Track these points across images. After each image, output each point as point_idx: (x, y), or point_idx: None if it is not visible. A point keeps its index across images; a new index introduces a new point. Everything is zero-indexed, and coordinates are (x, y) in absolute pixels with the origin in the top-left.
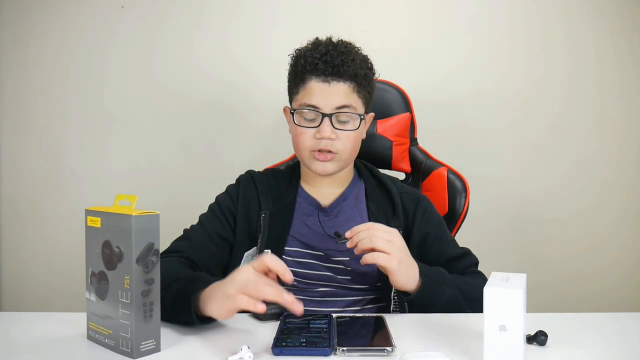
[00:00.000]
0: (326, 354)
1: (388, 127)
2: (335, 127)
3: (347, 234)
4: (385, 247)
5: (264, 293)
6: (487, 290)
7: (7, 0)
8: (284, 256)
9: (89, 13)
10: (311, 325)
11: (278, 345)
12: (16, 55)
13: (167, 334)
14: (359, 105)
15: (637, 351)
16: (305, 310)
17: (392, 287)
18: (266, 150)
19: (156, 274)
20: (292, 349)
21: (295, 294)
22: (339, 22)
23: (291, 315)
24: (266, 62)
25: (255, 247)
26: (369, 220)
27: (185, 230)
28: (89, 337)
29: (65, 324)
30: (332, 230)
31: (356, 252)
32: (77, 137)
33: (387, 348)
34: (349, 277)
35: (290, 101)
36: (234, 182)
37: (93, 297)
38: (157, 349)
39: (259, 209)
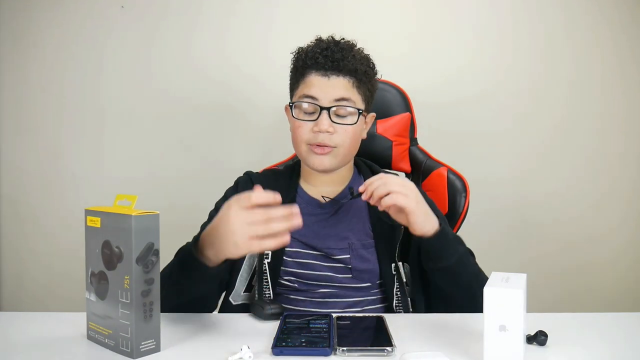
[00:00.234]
0: (326, 354)
1: (388, 127)
2: (334, 120)
3: (361, 188)
4: (401, 189)
5: (275, 229)
6: (487, 290)
7: (7, 0)
8: (284, 257)
9: (89, 13)
10: (311, 325)
11: (278, 345)
12: (16, 55)
13: (167, 334)
14: (358, 100)
15: (637, 351)
16: (305, 311)
17: (394, 284)
18: (266, 150)
19: (156, 274)
20: (292, 349)
21: (295, 296)
22: (339, 22)
23: (291, 315)
24: (266, 63)
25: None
26: (370, 219)
27: (187, 243)
28: (89, 337)
29: (65, 324)
30: (332, 230)
31: (372, 202)
32: (76, 137)
33: (387, 348)
34: (350, 276)
35: (291, 98)
36: (233, 182)
37: (93, 297)
38: (157, 349)
39: None
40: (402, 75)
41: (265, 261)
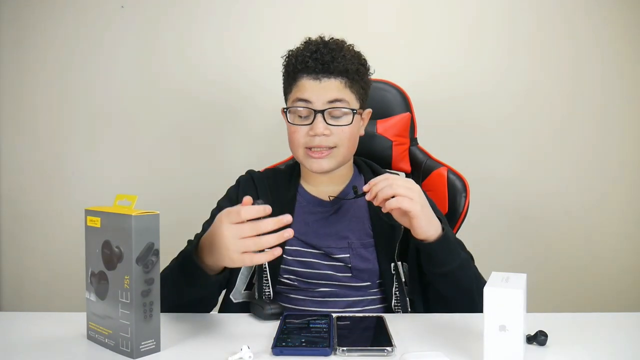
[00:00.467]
0: (326, 354)
1: (388, 127)
2: (329, 122)
3: (365, 188)
4: (406, 193)
5: (265, 244)
6: (487, 290)
7: (7, 0)
8: (284, 255)
9: (89, 13)
10: (311, 325)
11: (278, 345)
12: (16, 55)
13: (167, 334)
14: (352, 100)
15: (637, 351)
16: (305, 310)
17: (393, 284)
18: (267, 150)
19: (156, 274)
20: (292, 349)
21: (295, 294)
22: (339, 22)
23: (291, 315)
24: (266, 63)
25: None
26: (370, 218)
27: (189, 241)
28: (89, 337)
29: (65, 324)
30: (332, 229)
31: (376, 202)
32: (76, 137)
33: (387, 348)
34: (350, 275)
35: (286, 102)
36: (234, 182)
37: (93, 297)
38: (157, 349)
39: None
40: (401, 73)
41: None
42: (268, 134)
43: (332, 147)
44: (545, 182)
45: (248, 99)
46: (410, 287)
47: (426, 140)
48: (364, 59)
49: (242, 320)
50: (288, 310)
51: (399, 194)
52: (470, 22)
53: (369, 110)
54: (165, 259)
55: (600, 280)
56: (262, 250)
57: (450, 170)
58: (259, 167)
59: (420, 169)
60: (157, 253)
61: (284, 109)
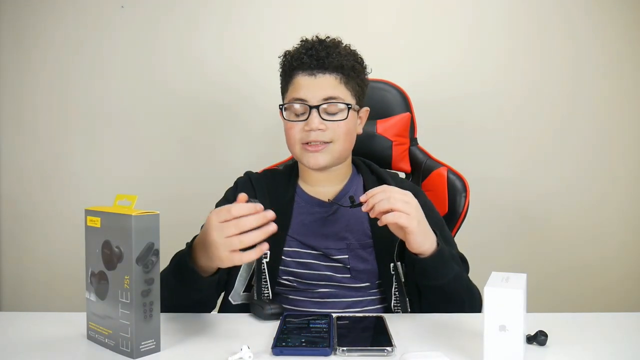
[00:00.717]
0: (326, 354)
1: (388, 127)
2: (324, 118)
3: (362, 198)
4: (403, 208)
5: (248, 242)
6: (487, 290)
7: (7, 0)
8: (283, 257)
9: (89, 13)
10: (311, 325)
11: (278, 345)
12: (16, 55)
13: (167, 334)
14: (347, 96)
15: (637, 351)
16: (305, 311)
17: (392, 284)
18: (267, 150)
19: (156, 274)
20: (292, 349)
21: (294, 296)
22: (339, 22)
23: (291, 315)
24: (266, 63)
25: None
26: (369, 219)
27: (187, 244)
28: (89, 337)
29: (65, 324)
30: (331, 230)
31: (372, 214)
32: (76, 137)
33: (387, 348)
34: (349, 276)
35: (283, 101)
36: (234, 182)
37: (93, 297)
38: (157, 349)
39: None
40: (401, 73)
41: (264, 261)
42: (268, 134)
43: (328, 142)
44: (545, 182)
45: (248, 99)
46: (409, 287)
47: (426, 140)
48: (361, 58)
49: (242, 320)
50: (288, 311)
51: (396, 208)
52: (470, 22)
53: (366, 109)
54: (165, 259)
55: (600, 280)
56: (252, 248)
57: (450, 170)
58: (259, 167)
59: (420, 169)
60: (157, 253)
61: (280, 106)
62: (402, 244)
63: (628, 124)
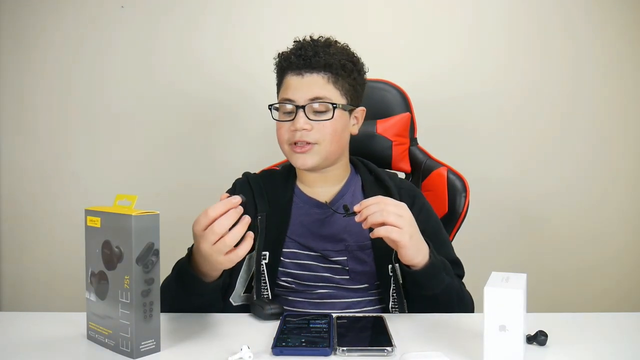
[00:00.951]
0: (326, 354)
1: (388, 127)
2: (310, 118)
3: (356, 208)
4: (396, 222)
5: (232, 242)
6: (487, 290)
7: (7, 0)
8: (282, 258)
9: (89, 13)
10: (311, 325)
11: (278, 345)
12: (16, 55)
13: (167, 334)
14: (335, 96)
15: (638, 351)
16: (304, 311)
17: (390, 285)
18: (268, 150)
19: (156, 274)
20: (292, 349)
21: (294, 297)
22: (339, 22)
23: (291, 315)
24: (266, 63)
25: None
26: None
27: (189, 249)
28: (89, 337)
29: (65, 324)
30: (329, 231)
31: (365, 226)
32: (76, 137)
33: (387, 348)
34: (348, 277)
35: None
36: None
37: (93, 297)
38: (157, 349)
39: (255, 211)
40: (401, 72)
41: (263, 262)
42: (268, 134)
43: (314, 143)
44: (545, 182)
45: (248, 99)
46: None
47: (426, 140)
48: (355, 57)
49: (242, 320)
50: (287, 311)
51: (389, 222)
52: (470, 22)
53: (362, 109)
54: (165, 259)
55: (600, 281)
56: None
57: (450, 170)
58: (259, 167)
59: (420, 169)
60: (157, 253)
61: (269, 106)
62: None
63: (628, 124)
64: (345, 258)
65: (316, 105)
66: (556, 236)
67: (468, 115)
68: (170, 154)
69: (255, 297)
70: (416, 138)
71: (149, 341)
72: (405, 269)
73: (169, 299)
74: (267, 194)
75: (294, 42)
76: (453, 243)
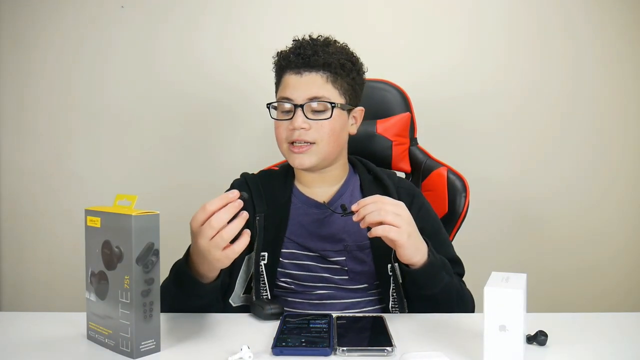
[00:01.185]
0: (326, 354)
1: (388, 127)
2: (308, 117)
3: (354, 207)
4: (394, 221)
5: (229, 236)
6: (487, 290)
7: (7, 0)
8: (281, 259)
9: (89, 13)
10: (311, 325)
11: (278, 345)
12: (16, 55)
13: (167, 334)
14: (334, 95)
15: (638, 351)
16: (304, 311)
17: (390, 285)
18: (268, 150)
19: (156, 274)
20: (292, 349)
21: (293, 297)
22: (339, 22)
23: (291, 315)
24: (266, 63)
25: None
26: None
27: (186, 250)
28: (89, 337)
29: (65, 324)
30: (328, 231)
31: (362, 225)
32: (76, 137)
33: (387, 348)
34: (347, 277)
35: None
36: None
37: (93, 297)
38: (157, 349)
39: (253, 212)
40: (400, 72)
41: (262, 263)
42: (268, 134)
43: (312, 143)
44: (545, 182)
45: (248, 99)
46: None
47: (426, 140)
48: (354, 57)
49: (242, 320)
50: (287, 311)
51: (387, 221)
52: (470, 22)
53: (360, 109)
54: (165, 259)
55: (600, 280)
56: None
57: (450, 170)
58: (259, 167)
59: (420, 169)
60: (157, 253)
61: (267, 105)
62: None
63: (628, 124)
64: (344, 258)
65: (315, 105)
66: (556, 236)
67: (468, 115)
68: (170, 154)
69: (254, 298)
70: (416, 138)
71: (149, 341)
72: (405, 268)
73: (169, 300)
74: (266, 195)
75: (293, 41)
76: (453, 243)
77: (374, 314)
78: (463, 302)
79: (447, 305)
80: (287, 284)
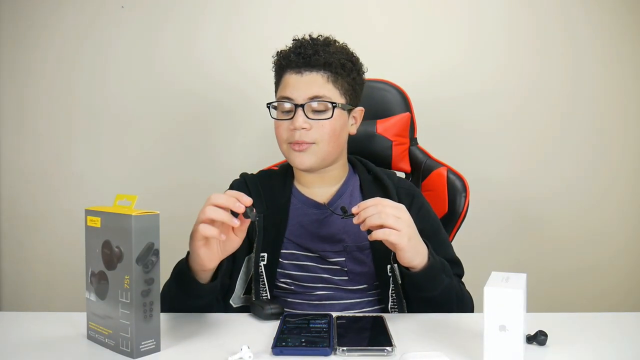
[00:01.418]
0: (326, 354)
1: (388, 127)
2: (309, 117)
3: (354, 210)
4: (394, 224)
5: (203, 231)
6: (487, 290)
7: (7, 0)
8: (280, 259)
9: (89, 13)
10: (311, 325)
11: (278, 345)
12: (16, 55)
13: (167, 334)
14: (334, 95)
15: (638, 351)
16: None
17: (389, 286)
18: (268, 150)
19: (156, 274)
20: (292, 348)
21: (292, 298)
22: (339, 22)
23: (291, 315)
24: (265, 63)
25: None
26: None
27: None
28: (89, 337)
29: (65, 324)
30: (328, 232)
31: (363, 228)
32: (76, 137)
33: (387, 348)
34: (347, 278)
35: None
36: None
37: (93, 297)
38: (157, 349)
39: None
40: (400, 72)
41: (262, 264)
42: (268, 135)
43: (312, 143)
44: (546, 181)
45: (248, 99)
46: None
47: (426, 140)
48: (354, 56)
49: (242, 320)
50: (287, 311)
51: (387, 225)
52: (470, 22)
53: (360, 109)
54: (165, 259)
55: (600, 280)
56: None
57: (450, 170)
58: (259, 167)
59: (420, 169)
60: (157, 253)
61: (267, 104)
62: None
63: (628, 124)
64: (344, 259)
65: (315, 104)
66: (556, 236)
67: (468, 115)
68: (170, 153)
69: (254, 299)
70: (416, 138)
71: (149, 341)
72: (404, 271)
73: (169, 300)
74: (265, 195)
75: (293, 40)
76: (453, 243)
77: (374, 314)
78: (462, 304)
79: (446, 307)
80: (287, 285)
